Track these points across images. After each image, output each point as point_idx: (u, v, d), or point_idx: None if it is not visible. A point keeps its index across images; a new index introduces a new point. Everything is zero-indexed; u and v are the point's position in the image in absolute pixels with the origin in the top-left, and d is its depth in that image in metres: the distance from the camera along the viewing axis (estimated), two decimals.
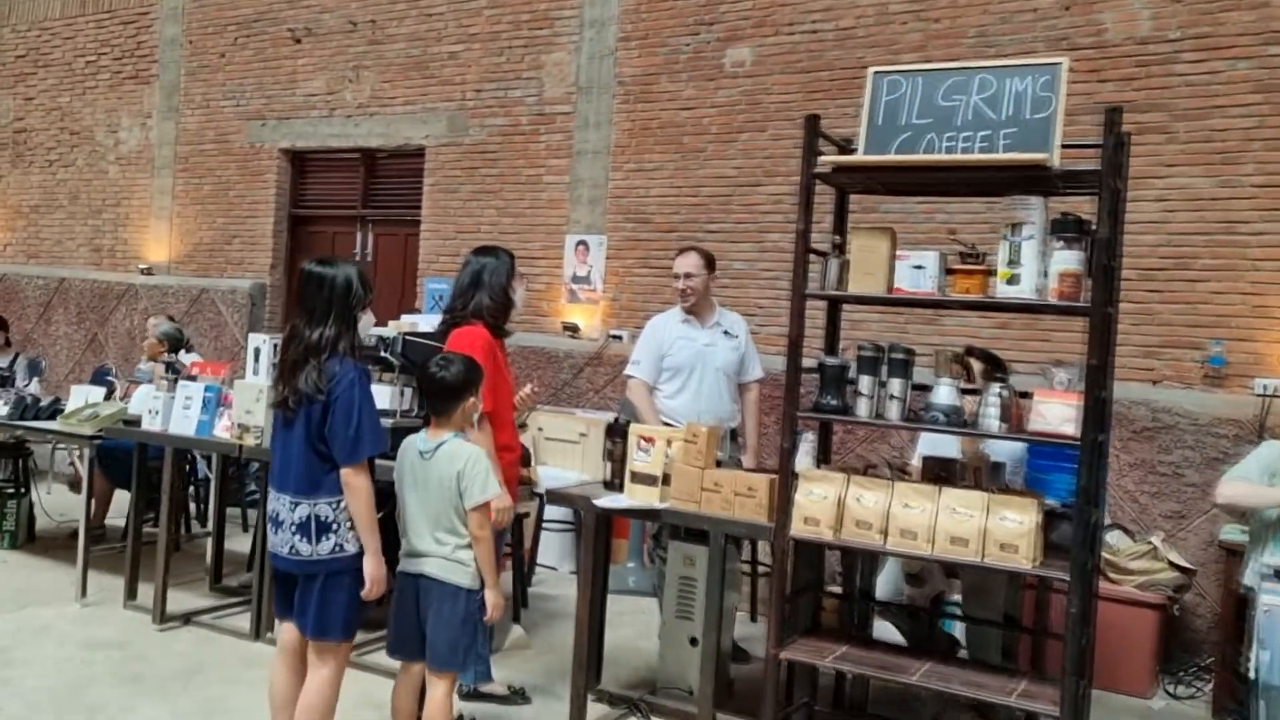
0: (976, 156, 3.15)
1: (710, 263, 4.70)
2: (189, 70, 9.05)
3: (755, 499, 3.50)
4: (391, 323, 4.77)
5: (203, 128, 8.95)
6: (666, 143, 6.75)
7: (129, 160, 9.42)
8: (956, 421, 3.22)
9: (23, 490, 6.25)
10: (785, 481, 3.36)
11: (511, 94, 7.36)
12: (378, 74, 7.97)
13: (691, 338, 4.62)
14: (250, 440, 4.40)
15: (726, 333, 4.69)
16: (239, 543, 6.15)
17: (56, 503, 6.67)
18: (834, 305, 3.80)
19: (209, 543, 5.56)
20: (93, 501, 6.29)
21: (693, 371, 4.58)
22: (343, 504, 3.00)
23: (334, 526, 3.00)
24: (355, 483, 2.98)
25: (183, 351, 6.68)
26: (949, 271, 3.29)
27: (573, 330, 6.96)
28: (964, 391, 3.30)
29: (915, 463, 4.51)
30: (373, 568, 3.02)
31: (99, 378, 7.01)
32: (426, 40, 7.72)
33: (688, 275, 4.60)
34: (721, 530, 3.58)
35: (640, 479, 3.74)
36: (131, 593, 5.03)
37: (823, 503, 3.32)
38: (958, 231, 3.52)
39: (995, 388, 3.19)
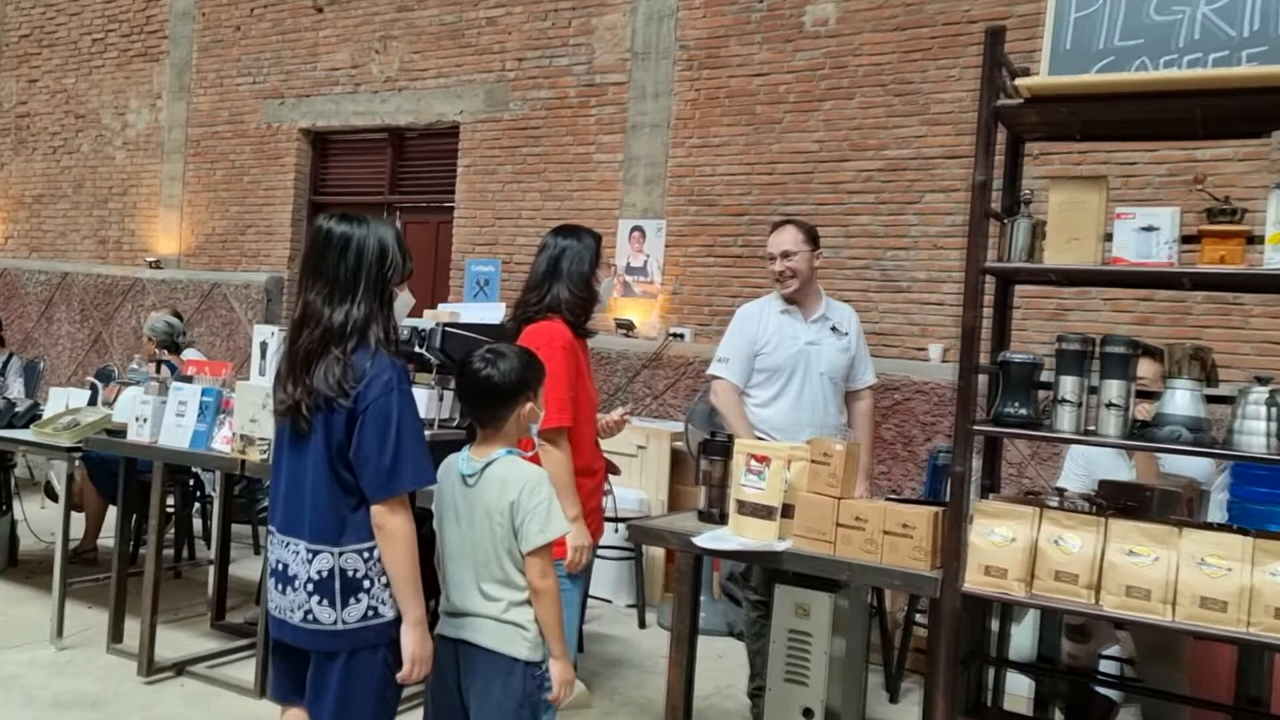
0: (1258, 70, 2.29)
1: (813, 238, 3.84)
2: (202, 46, 8.30)
3: (912, 540, 2.64)
4: (427, 312, 3.94)
5: (216, 108, 8.20)
6: (736, 114, 5.91)
7: (137, 145, 8.68)
8: (1204, 440, 2.36)
9: (3, 507, 5.48)
10: (959, 517, 2.51)
11: (557, 62, 6.55)
12: (407, 44, 7.18)
13: (792, 333, 3.77)
14: (255, 455, 3.59)
15: (835, 329, 3.84)
16: (250, 568, 5.35)
17: (47, 519, 5.88)
18: (1005, 285, 2.95)
19: (211, 571, 4.76)
20: (83, 519, 5.59)
21: (792, 374, 3.73)
22: (376, 553, 2.18)
23: (366, 584, 2.17)
24: (391, 525, 2.15)
25: (188, 350, 5.89)
26: (1185, 239, 2.44)
27: (627, 328, 6.13)
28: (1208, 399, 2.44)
29: (1071, 487, 3.66)
30: (414, 643, 2.18)
31: (102, 380, 6.24)
32: (462, 5, 6.93)
33: (786, 254, 3.74)
34: (867, 581, 2.73)
35: (750, 510, 2.89)
36: (116, 634, 4.23)
37: (1008, 547, 2.47)
38: (1204, 179, 2.66)
39: (1259, 393, 2.33)
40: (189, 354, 5.78)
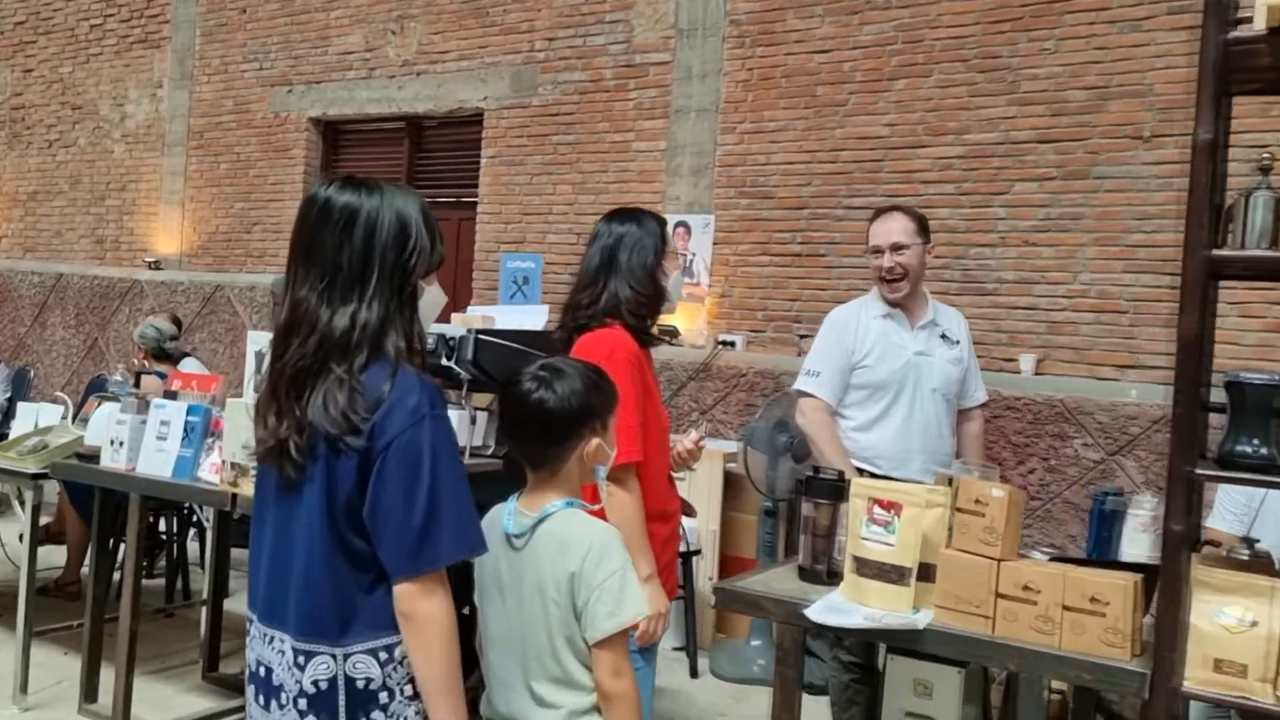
0: None
1: (925, 228, 3.22)
2: (205, 31, 7.72)
3: (1104, 619, 2.00)
4: (456, 316, 3.31)
5: (220, 97, 7.61)
6: (794, 95, 5.28)
7: (136, 138, 8.10)
8: None
9: None
10: (1175, 592, 1.87)
11: (592, 42, 5.93)
12: (426, 25, 6.58)
13: (898, 342, 3.14)
14: (248, 487, 2.97)
15: (944, 336, 3.21)
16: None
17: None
18: (1211, 280, 2.31)
19: (204, 613, 4.15)
20: (65, 549, 5.00)
21: (900, 392, 3.10)
22: (399, 652, 1.55)
23: (384, 698, 1.54)
24: (423, 613, 1.52)
25: (185, 360, 5.29)
26: None
27: (670, 335, 5.48)
28: None
29: (1223, 528, 3.03)
30: None
31: (94, 391, 5.64)
32: None
33: (897, 247, 3.12)
34: (1043, 672, 2.09)
35: (874, 570, 2.25)
36: (90, 692, 3.62)
37: (1246, 634, 1.84)
38: None
39: None
40: (187, 365, 5.18)
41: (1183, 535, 1.88)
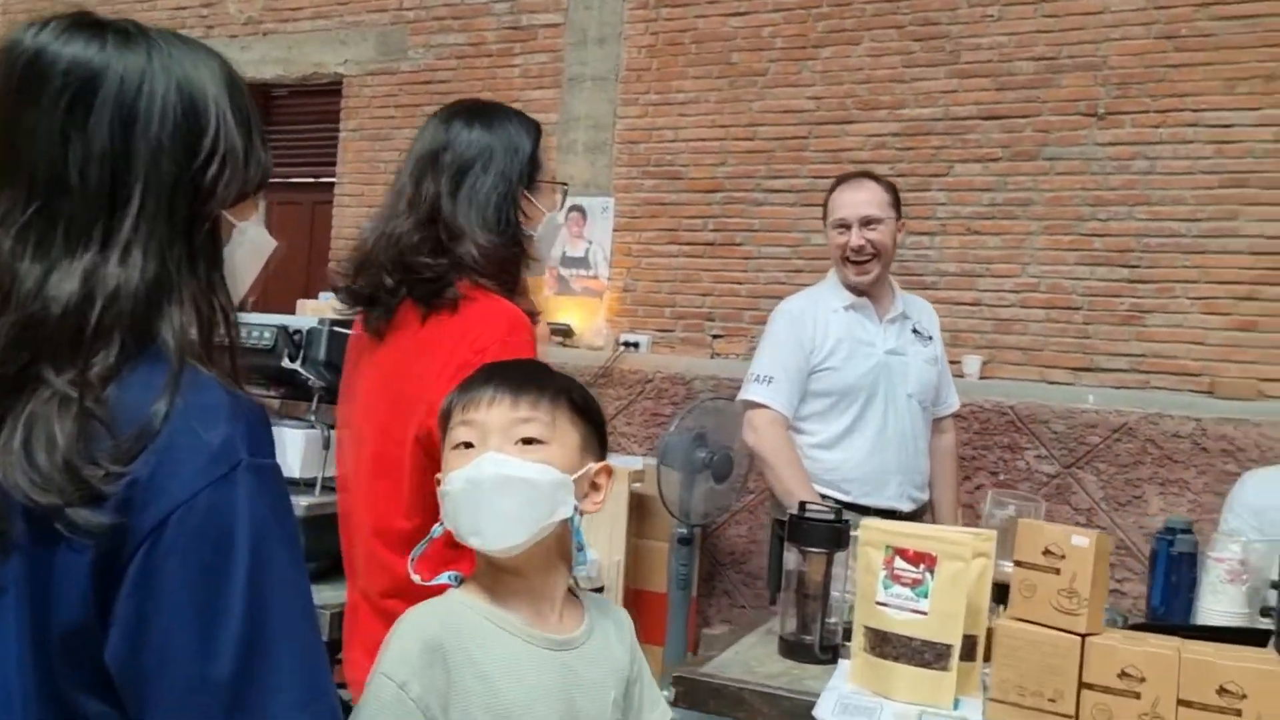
0: None
1: (899, 201, 2.62)
2: None
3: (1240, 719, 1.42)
4: (304, 304, 2.51)
5: None
6: (706, 63, 4.67)
7: None
8: None
9: None
10: None
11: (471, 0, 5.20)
12: None
13: (866, 339, 2.53)
14: None
15: (917, 331, 2.63)
16: None
17: None
18: None
19: None
20: None
21: (871, 399, 2.49)
22: None
23: None
24: None
25: None
26: None
27: (564, 334, 4.80)
28: None
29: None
30: None
31: None
32: None
33: (868, 222, 2.51)
34: None
35: (898, 649, 1.62)
36: None
37: None
38: None
39: None
40: None
41: None
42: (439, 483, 1.17)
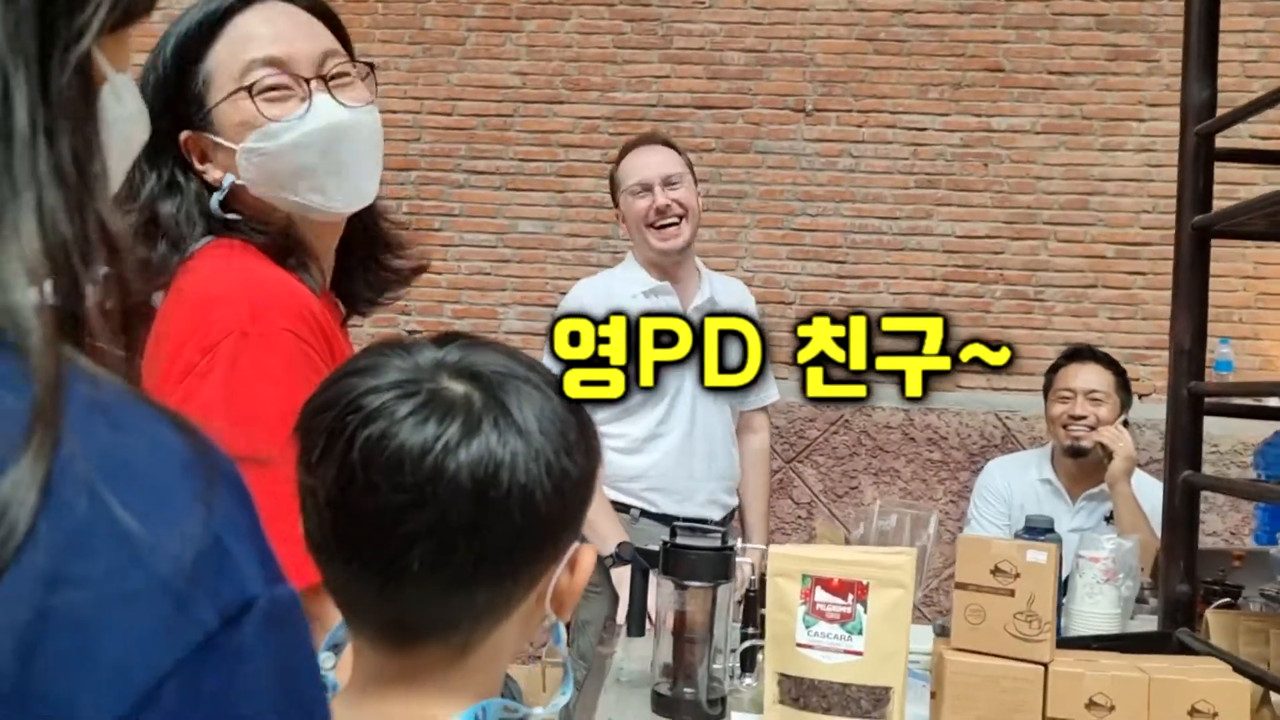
0: None
1: (692, 169, 2.37)
2: None
3: None
4: None
5: None
6: (396, 27, 4.15)
7: None
8: None
9: None
10: None
11: None
12: None
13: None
14: None
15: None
16: None
17: None
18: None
19: None
20: None
21: (677, 396, 2.20)
22: None
23: None
24: None
25: None
26: None
27: None
28: None
29: (985, 533, 2.58)
30: None
31: None
32: None
33: (669, 182, 2.24)
34: None
35: (826, 699, 1.33)
36: None
37: None
38: None
39: None
40: None
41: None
42: None
